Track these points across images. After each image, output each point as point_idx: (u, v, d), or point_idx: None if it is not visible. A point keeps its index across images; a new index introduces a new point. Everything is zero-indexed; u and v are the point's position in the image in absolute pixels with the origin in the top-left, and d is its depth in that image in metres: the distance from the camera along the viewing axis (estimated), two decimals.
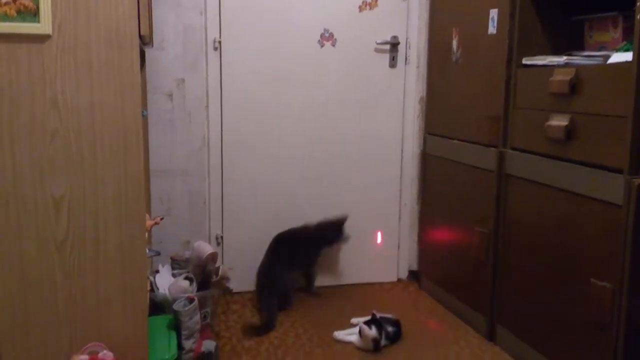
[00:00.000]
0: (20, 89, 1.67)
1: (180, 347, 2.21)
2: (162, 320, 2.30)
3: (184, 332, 2.23)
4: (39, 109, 1.69)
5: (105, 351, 1.76)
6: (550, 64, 2.25)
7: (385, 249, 3.33)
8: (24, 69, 1.66)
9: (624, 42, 2.19)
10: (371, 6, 3.13)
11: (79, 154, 1.73)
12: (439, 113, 3.08)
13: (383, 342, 2.51)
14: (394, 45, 3.17)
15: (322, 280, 3.23)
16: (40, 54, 1.67)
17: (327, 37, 3.10)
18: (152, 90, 2.90)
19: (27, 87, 1.67)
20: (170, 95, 2.93)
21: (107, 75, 1.72)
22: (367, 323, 2.50)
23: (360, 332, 2.52)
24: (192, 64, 2.94)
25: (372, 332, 2.48)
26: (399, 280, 3.39)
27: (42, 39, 1.66)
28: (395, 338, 2.59)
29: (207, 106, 3.00)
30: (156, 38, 2.85)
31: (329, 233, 3.05)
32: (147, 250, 2.11)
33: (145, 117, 2.83)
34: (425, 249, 3.28)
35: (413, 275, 3.39)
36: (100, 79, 1.71)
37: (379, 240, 3.30)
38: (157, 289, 2.46)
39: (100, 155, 1.74)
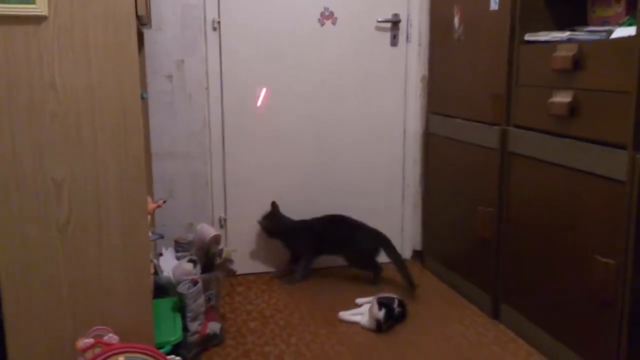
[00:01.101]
0: (18, 71, 1.65)
1: (185, 329, 2.22)
2: (166, 302, 2.31)
3: (188, 315, 2.24)
4: (37, 91, 1.67)
5: (110, 334, 1.76)
6: (553, 39, 2.22)
7: (389, 227, 3.33)
8: (21, 51, 1.65)
9: (627, 17, 2.16)
10: None
11: (78, 136, 1.72)
12: (441, 92, 3.06)
13: (386, 325, 2.51)
14: (395, 23, 3.14)
15: (327, 261, 3.24)
16: (37, 35, 1.65)
17: (327, 16, 3.07)
18: (152, 72, 2.88)
19: (25, 69, 1.66)
20: (170, 77, 2.92)
21: (104, 56, 1.70)
22: (380, 303, 2.50)
23: (370, 308, 2.52)
24: (191, 45, 2.92)
25: (380, 313, 2.48)
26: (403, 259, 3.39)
27: (38, 20, 1.64)
28: (400, 318, 2.59)
29: (207, 87, 2.98)
30: (154, 19, 2.82)
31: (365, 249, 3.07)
32: (151, 234, 2.11)
33: (145, 100, 2.82)
34: (428, 228, 3.27)
35: (417, 255, 3.39)
36: (98, 60, 1.70)
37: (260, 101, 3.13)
38: (161, 271, 2.47)
39: (100, 137, 1.73)
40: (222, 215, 3.11)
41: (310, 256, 3.10)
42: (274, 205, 3.05)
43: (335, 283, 3.05)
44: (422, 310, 2.73)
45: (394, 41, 3.17)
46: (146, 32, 2.80)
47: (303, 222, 3.08)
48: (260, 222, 3.07)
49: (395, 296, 2.64)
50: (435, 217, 3.17)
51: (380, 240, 3.01)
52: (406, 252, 3.39)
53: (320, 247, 3.08)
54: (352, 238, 3.02)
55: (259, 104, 3.02)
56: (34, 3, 1.62)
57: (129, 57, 1.72)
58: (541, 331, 2.32)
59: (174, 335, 2.08)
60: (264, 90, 2.98)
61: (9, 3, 1.61)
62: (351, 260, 3.08)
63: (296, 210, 3.12)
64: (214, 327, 2.37)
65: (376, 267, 3.05)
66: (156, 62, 2.88)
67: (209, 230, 2.49)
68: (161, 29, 2.86)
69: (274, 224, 3.05)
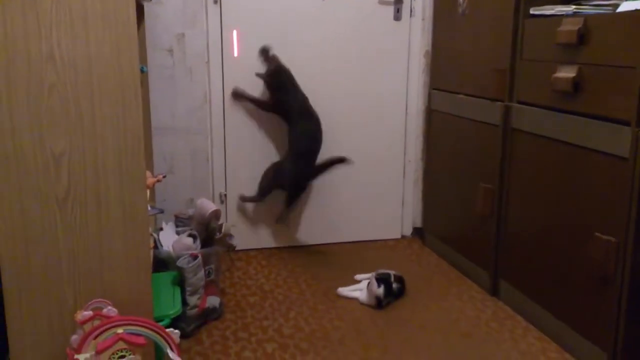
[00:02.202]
0: (15, 43, 1.63)
1: (184, 302, 2.23)
2: (166, 276, 2.32)
3: (188, 289, 2.25)
4: (35, 63, 1.65)
5: (109, 307, 1.76)
6: (558, 13, 2.19)
7: (389, 204, 3.33)
8: (18, 21, 1.62)
9: None
10: None
11: (77, 110, 1.71)
12: (445, 67, 3.03)
13: (386, 301, 2.52)
14: None
15: (326, 237, 3.24)
16: (34, 6, 1.62)
17: None
18: (152, 45, 2.85)
19: (23, 40, 1.64)
20: (171, 51, 2.89)
21: (103, 28, 1.68)
22: (378, 280, 2.51)
23: (368, 285, 2.53)
24: (192, 18, 2.88)
25: (379, 290, 2.49)
26: (403, 237, 3.39)
27: None
28: (399, 294, 2.60)
29: (207, 62, 2.95)
30: None
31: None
32: (150, 208, 2.10)
33: (145, 74, 2.80)
34: (429, 205, 3.27)
35: (417, 232, 3.40)
36: (96, 32, 1.68)
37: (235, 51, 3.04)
38: (161, 246, 2.47)
39: (99, 110, 1.72)
40: (223, 190, 3.10)
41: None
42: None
43: (334, 259, 3.06)
44: (421, 286, 2.74)
45: (397, 15, 3.13)
46: (146, 5, 2.77)
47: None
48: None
49: (391, 272, 2.64)
50: (436, 194, 3.16)
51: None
52: (406, 229, 3.39)
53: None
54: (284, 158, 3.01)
55: (235, 53, 2.94)
56: None
57: (127, 30, 1.69)
58: (540, 308, 2.33)
59: (173, 308, 2.09)
60: (235, 34, 2.85)
61: None
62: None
63: None
64: (213, 301, 2.38)
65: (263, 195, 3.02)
66: (156, 36, 2.85)
67: (209, 205, 2.49)
68: (161, 2, 2.83)
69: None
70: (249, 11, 2.95)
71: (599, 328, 2.02)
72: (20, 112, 1.67)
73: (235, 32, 2.93)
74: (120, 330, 1.65)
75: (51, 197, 1.74)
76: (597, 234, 2.00)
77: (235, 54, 2.97)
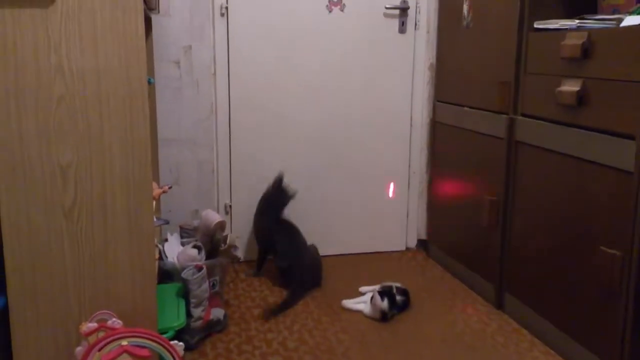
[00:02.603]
0: (25, 55, 1.65)
1: (189, 314, 2.23)
2: (171, 288, 2.32)
3: (192, 300, 2.25)
4: (44, 75, 1.67)
5: (114, 319, 1.76)
6: (563, 27, 2.20)
7: (394, 216, 3.33)
8: (28, 34, 1.64)
9: (638, 5, 2.14)
10: None
11: (85, 121, 1.72)
12: (449, 80, 3.04)
13: (391, 313, 2.51)
14: (404, 10, 3.12)
15: (330, 249, 3.24)
16: (45, 18, 1.64)
17: (335, 2, 3.05)
18: (159, 57, 2.87)
19: (32, 52, 1.65)
20: (178, 63, 2.91)
21: (111, 40, 1.69)
22: (381, 293, 2.50)
23: (372, 299, 2.52)
24: (199, 31, 2.91)
25: (384, 303, 2.48)
26: (408, 248, 3.39)
27: (46, 3, 1.64)
28: (403, 307, 2.59)
29: (214, 73, 2.97)
30: (162, 4, 2.81)
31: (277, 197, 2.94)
32: (156, 219, 2.11)
33: (152, 85, 2.82)
34: (434, 217, 3.27)
35: (422, 244, 3.39)
36: (105, 44, 1.69)
37: (390, 193, 3.22)
38: (166, 257, 2.47)
39: (107, 121, 1.73)
40: (228, 202, 3.11)
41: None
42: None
43: (338, 271, 3.05)
44: (426, 299, 2.73)
45: (402, 28, 3.15)
46: (154, 18, 2.80)
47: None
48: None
49: (394, 284, 2.64)
50: (441, 206, 3.16)
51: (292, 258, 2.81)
52: (411, 241, 3.39)
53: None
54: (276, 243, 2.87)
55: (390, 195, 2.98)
56: None
57: (136, 42, 1.71)
58: (545, 321, 2.32)
59: (178, 320, 2.09)
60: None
61: None
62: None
63: (302, 197, 3.12)
64: (217, 313, 2.38)
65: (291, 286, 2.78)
66: (164, 48, 2.88)
67: (214, 217, 2.49)
68: (169, 15, 2.85)
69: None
70: (255, 24, 2.98)
71: (605, 342, 2.01)
72: (28, 123, 1.68)
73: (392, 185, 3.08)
74: (124, 343, 1.65)
75: (57, 207, 1.75)
76: (602, 247, 2.00)
77: None
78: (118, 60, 1.71)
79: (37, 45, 1.65)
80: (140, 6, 1.70)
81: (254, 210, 3.10)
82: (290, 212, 2.98)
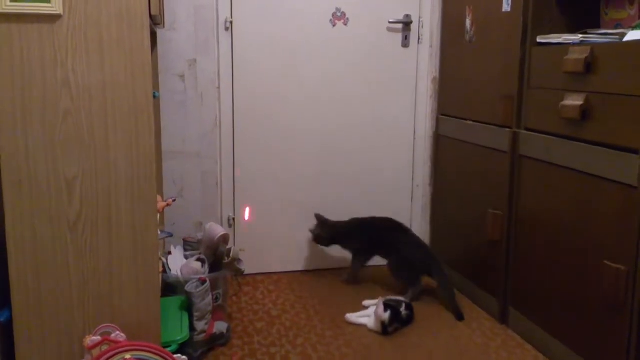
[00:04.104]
0: (32, 69, 1.67)
1: (192, 328, 2.23)
2: (174, 301, 2.32)
3: (196, 314, 2.24)
4: (50, 89, 1.69)
5: (117, 332, 1.77)
6: (565, 42, 2.21)
7: None
8: (35, 49, 1.66)
9: None
10: None
11: (90, 134, 1.73)
12: (452, 93, 3.05)
13: (392, 327, 2.50)
14: (407, 24, 3.14)
15: (334, 262, 3.24)
16: (52, 33, 1.66)
17: (339, 17, 3.07)
18: (164, 71, 2.89)
19: (39, 67, 1.67)
20: (182, 77, 2.93)
21: (118, 55, 1.71)
22: (386, 305, 2.50)
23: (375, 309, 2.52)
24: (204, 45, 2.93)
25: (385, 315, 2.47)
26: None
27: (53, 18, 1.66)
28: (407, 321, 2.59)
29: (218, 87, 2.99)
30: (168, 19, 2.83)
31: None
32: (160, 232, 2.12)
33: (157, 99, 2.83)
34: (437, 231, 3.26)
35: None
36: (111, 59, 1.71)
37: (247, 216, 3.17)
38: (170, 270, 2.47)
39: (112, 135, 1.74)
40: (231, 214, 3.11)
41: (363, 254, 3.05)
42: (319, 216, 3.04)
43: (342, 284, 3.05)
44: (429, 313, 2.72)
45: (406, 42, 3.16)
46: (159, 32, 2.82)
47: (355, 221, 3.06)
48: (314, 233, 3.03)
49: (403, 299, 2.63)
50: (444, 219, 3.16)
51: (430, 257, 2.87)
52: None
53: (372, 246, 3.00)
54: (402, 244, 2.91)
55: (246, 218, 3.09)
56: (49, 2, 1.64)
57: (142, 56, 1.73)
58: (549, 336, 2.31)
59: (181, 334, 2.09)
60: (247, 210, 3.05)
61: (24, 2, 1.62)
62: (394, 268, 2.92)
63: (306, 210, 3.12)
64: (220, 326, 2.38)
65: (415, 285, 2.86)
66: (169, 62, 2.90)
67: (218, 230, 2.50)
68: (175, 29, 2.87)
69: (330, 230, 3.02)
70: (259, 38, 2.99)
71: (609, 357, 2.00)
72: (34, 136, 1.70)
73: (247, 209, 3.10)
74: (128, 356, 1.65)
75: (63, 220, 1.76)
76: (606, 262, 1.99)
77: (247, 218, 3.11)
78: (124, 74, 1.72)
79: (44, 60, 1.67)
80: (146, 21, 1.71)
81: (258, 222, 3.10)
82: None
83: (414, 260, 2.87)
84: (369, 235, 2.99)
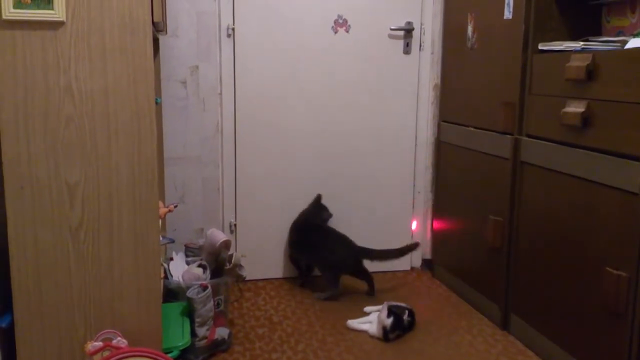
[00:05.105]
0: (34, 76, 1.68)
1: (193, 334, 2.23)
2: (175, 307, 2.32)
3: (197, 320, 2.24)
4: (53, 95, 1.69)
5: (119, 338, 1.77)
6: (567, 49, 2.22)
7: (398, 235, 3.32)
8: (38, 55, 1.67)
9: None
10: None
11: (93, 140, 1.74)
12: (454, 100, 3.05)
13: (394, 334, 2.50)
14: (408, 31, 3.15)
15: None
16: (55, 40, 1.67)
17: (340, 24, 3.08)
18: (166, 77, 2.90)
19: (42, 73, 1.68)
20: (184, 83, 2.94)
21: (120, 61, 1.72)
22: (390, 311, 2.49)
23: (379, 313, 2.51)
24: (206, 51, 2.94)
25: (388, 320, 2.47)
26: (413, 268, 3.38)
27: (56, 25, 1.66)
28: (409, 327, 2.58)
29: (220, 93, 3.00)
30: (170, 25, 2.85)
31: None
32: (161, 238, 2.12)
33: (159, 105, 2.84)
34: (439, 237, 3.26)
35: (426, 264, 3.38)
36: (114, 65, 1.72)
37: (414, 227, 3.34)
38: (171, 276, 2.47)
39: (114, 141, 1.75)
40: (233, 220, 3.12)
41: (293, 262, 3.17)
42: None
43: (343, 290, 3.04)
44: (431, 319, 2.72)
45: (407, 49, 3.17)
46: (162, 38, 2.83)
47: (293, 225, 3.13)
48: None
49: (407, 306, 2.63)
50: (446, 226, 3.16)
51: (351, 256, 2.95)
52: (416, 261, 3.39)
53: (299, 251, 3.09)
54: (321, 245, 2.96)
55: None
56: (52, 9, 1.64)
57: (144, 63, 1.73)
58: (551, 343, 2.31)
59: (182, 340, 2.09)
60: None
61: (27, 9, 1.63)
62: (319, 269, 3.03)
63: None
64: (222, 332, 2.38)
65: (367, 277, 3.00)
66: (171, 68, 2.91)
67: (219, 236, 2.50)
68: (177, 36, 2.89)
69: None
70: (261, 45, 3.00)
71: None
72: (37, 142, 1.70)
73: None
74: None
75: (64, 226, 1.76)
76: (608, 268, 1.99)
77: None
78: (126, 80, 1.73)
79: (47, 66, 1.68)
80: (149, 28, 1.72)
81: (259, 228, 3.11)
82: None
83: (333, 260, 2.93)
84: (296, 240, 3.08)
